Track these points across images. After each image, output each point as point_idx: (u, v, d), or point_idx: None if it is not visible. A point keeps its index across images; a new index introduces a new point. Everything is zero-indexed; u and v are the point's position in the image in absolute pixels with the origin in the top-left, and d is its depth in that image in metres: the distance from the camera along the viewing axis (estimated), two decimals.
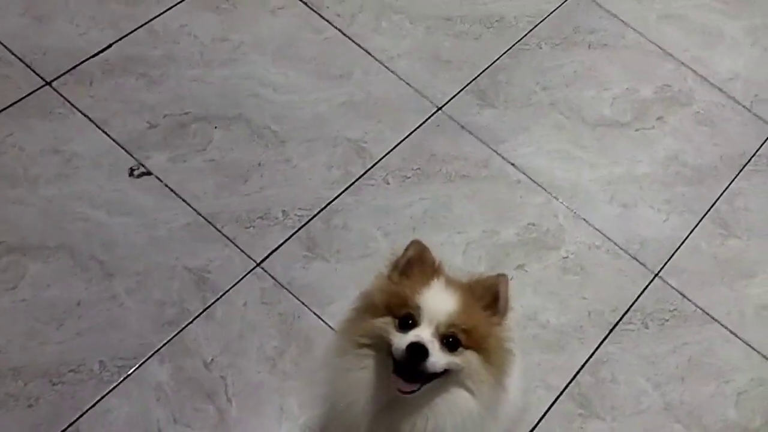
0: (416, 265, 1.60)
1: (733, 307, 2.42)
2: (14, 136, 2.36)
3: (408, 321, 1.53)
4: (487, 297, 1.59)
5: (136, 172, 2.36)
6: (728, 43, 3.02)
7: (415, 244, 1.62)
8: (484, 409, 1.59)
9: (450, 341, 1.53)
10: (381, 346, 1.56)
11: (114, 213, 2.28)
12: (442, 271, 1.62)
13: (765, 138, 2.78)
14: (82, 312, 2.12)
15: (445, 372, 1.53)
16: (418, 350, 1.48)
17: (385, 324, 1.55)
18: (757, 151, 2.75)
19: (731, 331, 2.37)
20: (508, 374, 1.61)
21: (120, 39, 2.60)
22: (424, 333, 1.51)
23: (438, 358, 1.50)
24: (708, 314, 2.39)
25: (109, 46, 2.58)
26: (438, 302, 1.54)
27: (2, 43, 2.50)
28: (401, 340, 1.51)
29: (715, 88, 2.89)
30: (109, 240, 2.23)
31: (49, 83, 2.46)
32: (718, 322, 2.38)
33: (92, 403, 2.00)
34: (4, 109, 2.39)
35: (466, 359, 1.54)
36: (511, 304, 1.63)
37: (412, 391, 1.52)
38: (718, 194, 2.64)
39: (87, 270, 2.18)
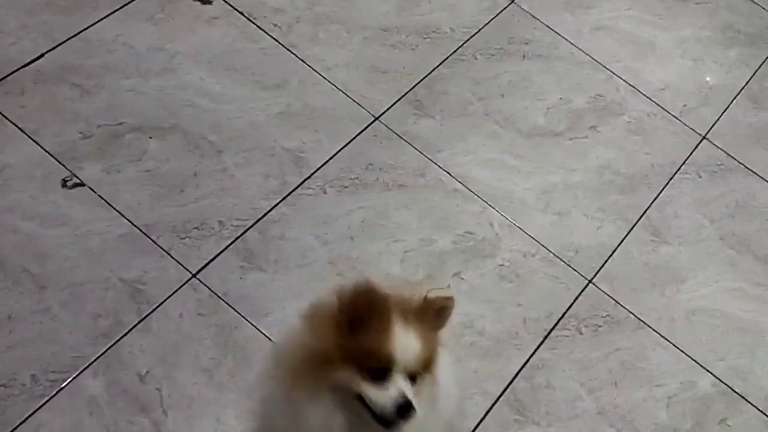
0: (369, 310, 1.53)
1: (665, 313, 2.47)
2: None
3: (380, 372, 1.50)
4: (438, 319, 1.59)
5: (69, 183, 2.33)
6: (659, 54, 3.10)
7: (361, 288, 1.52)
8: (430, 413, 1.60)
9: (414, 376, 1.53)
10: (345, 392, 1.53)
11: (47, 225, 2.25)
12: (392, 306, 1.55)
13: (694, 146, 2.86)
14: (13, 325, 2.08)
15: None
16: (407, 408, 1.48)
17: (352, 377, 1.51)
18: (686, 159, 2.82)
19: (663, 336, 2.42)
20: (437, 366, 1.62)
21: (53, 48, 2.56)
22: (404, 386, 1.49)
23: (417, 403, 1.50)
24: (640, 320, 2.44)
25: (42, 55, 2.54)
26: (407, 347, 1.51)
27: None
28: (383, 398, 1.49)
29: (646, 98, 2.95)
30: (42, 252, 2.20)
31: None
32: (650, 327, 2.43)
33: (24, 418, 1.96)
34: None
35: (424, 381, 1.56)
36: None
37: None
38: (650, 202, 2.70)
39: (19, 283, 2.14)
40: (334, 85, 2.73)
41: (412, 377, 1.53)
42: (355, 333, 1.52)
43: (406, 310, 1.56)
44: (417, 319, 1.55)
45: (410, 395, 1.49)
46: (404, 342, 1.51)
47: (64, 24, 2.62)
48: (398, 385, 1.49)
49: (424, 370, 1.56)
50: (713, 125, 2.93)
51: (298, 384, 1.56)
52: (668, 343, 2.42)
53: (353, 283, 1.54)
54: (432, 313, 1.58)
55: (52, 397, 2.00)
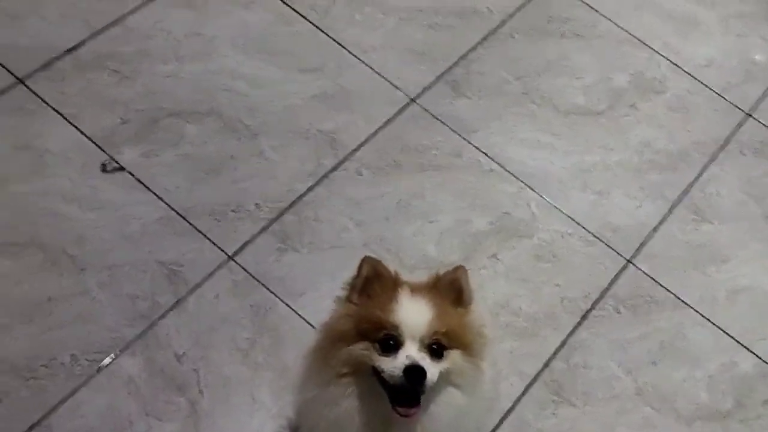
0: (375, 282, 1.58)
1: (705, 292, 2.43)
2: None
3: (389, 342, 1.51)
4: (452, 292, 1.60)
5: (108, 167, 2.37)
6: (701, 31, 3.03)
7: (367, 261, 1.60)
8: (472, 399, 1.60)
9: (435, 349, 1.52)
10: (362, 370, 1.55)
11: (86, 208, 2.29)
12: (402, 281, 1.60)
13: (737, 124, 2.79)
14: (53, 307, 2.12)
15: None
16: (416, 372, 1.47)
17: (365, 350, 1.53)
18: (729, 137, 2.76)
19: (703, 316, 2.38)
20: (485, 352, 1.63)
21: (92, 35, 2.60)
22: (412, 352, 1.50)
23: (433, 372, 1.50)
24: (680, 299, 2.40)
25: (82, 42, 2.58)
26: (414, 315, 1.52)
27: None
28: (392, 365, 1.49)
29: (689, 76, 2.90)
30: (81, 235, 2.24)
31: (21, 81, 2.47)
32: (690, 307, 2.39)
33: (64, 397, 2.01)
34: None
35: (453, 360, 1.55)
36: (475, 292, 1.65)
37: (416, 412, 1.52)
38: (691, 180, 2.65)
39: (58, 265, 2.18)
40: (370, 67, 2.72)
41: (435, 351, 1.52)
42: (365, 305, 1.55)
43: (415, 284, 1.59)
44: (428, 292, 1.57)
45: (420, 360, 1.48)
46: (410, 310, 1.53)
47: (103, 11, 2.66)
48: (407, 352, 1.50)
49: (452, 344, 1.55)
50: (758, 102, 2.86)
51: (319, 364, 1.59)
52: (709, 322, 2.37)
53: (363, 258, 1.59)
54: (445, 286, 1.59)
55: (91, 376, 2.04)
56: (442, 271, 1.64)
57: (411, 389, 1.49)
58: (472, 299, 1.64)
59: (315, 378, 1.61)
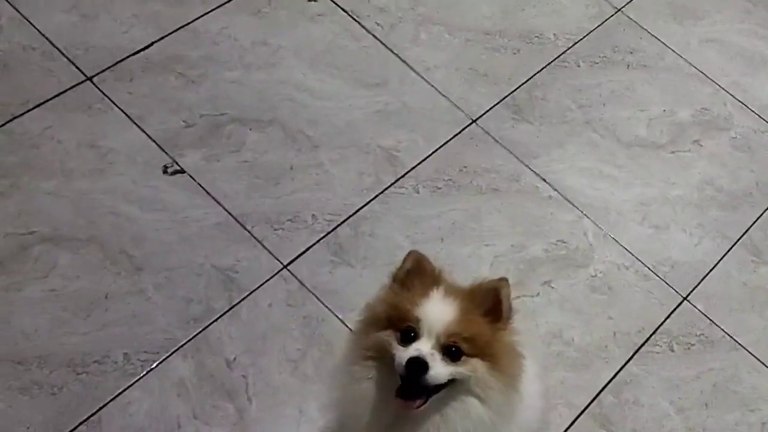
0: (415, 276, 1.60)
1: (762, 336, 2.39)
2: (53, 128, 2.40)
3: (410, 334, 1.53)
4: (488, 302, 1.58)
5: (170, 170, 2.39)
6: None
7: (412, 254, 1.62)
8: (496, 415, 1.58)
9: (452, 351, 1.52)
10: (385, 358, 1.56)
11: (146, 209, 2.31)
12: (443, 280, 1.61)
13: None
14: (109, 304, 2.14)
15: (453, 381, 1.53)
16: (418, 365, 1.49)
17: (388, 337, 1.56)
18: None
19: (759, 360, 2.34)
20: (519, 377, 1.61)
21: (161, 38, 2.63)
22: (423, 346, 1.51)
23: (439, 371, 1.50)
24: (735, 341, 2.36)
25: (151, 44, 2.61)
26: (437, 313, 1.53)
27: (47, 38, 2.55)
28: (402, 355, 1.51)
29: (754, 114, 2.86)
30: (140, 235, 2.26)
31: (89, 78, 2.50)
32: (746, 350, 2.35)
33: (114, 395, 2.02)
34: (45, 102, 2.43)
35: (472, 367, 1.54)
36: (516, 309, 1.62)
37: (418, 407, 1.52)
38: (752, 221, 2.61)
39: (116, 263, 2.20)
40: (433, 86, 2.72)
41: (453, 354, 1.52)
42: (400, 295, 1.58)
43: (454, 286, 1.59)
44: (462, 295, 1.56)
45: (429, 356, 1.49)
46: (434, 308, 1.54)
47: (173, 14, 2.69)
48: (419, 345, 1.51)
49: (474, 351, 1.54)
50: None
51: (352, 343, 1.64)
52: (764, 366, 2.33)
53: (410, 252, 1.63)
54: (482, 294, 1.58)
55: (142, 376, 2.05)
56: (485, 281, 1.62)
57: (413, 382, 1.50)
58: (511, 314, 1.62)
59: (346, 356, 1.66)
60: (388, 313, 1.58)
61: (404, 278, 1.61)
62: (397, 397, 1.52)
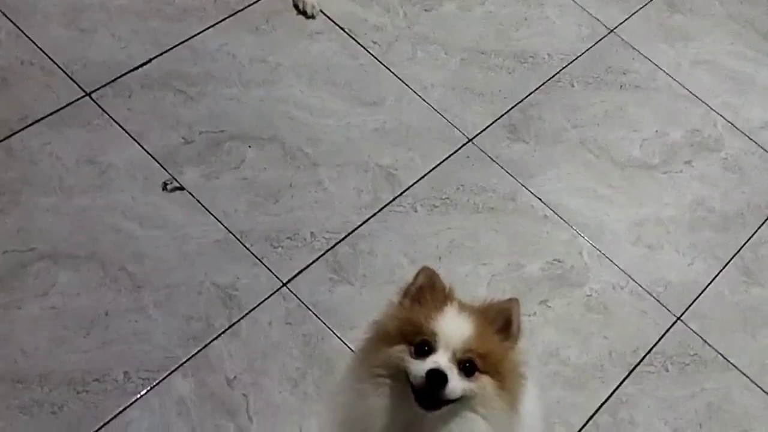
0: (427, 291, 1.61)
1: (755, 356, 2.42)
2: (51, 145, 2.39)
3: (424, 348, 1.53)
4: (500, 321, 1.60)
5: (169, 186, 2.39)
6: (759, 91, 3.04)
7: (425, 270, 1.63)
8: None
9: (467, 366, 1.53)
10: (398, 374, 1.56)
11: (146, 225, 2.31)
12: (454, 297, 1.62)
13: None
14: (109, 322, 2.14)
15: (460, 398, 1.54)
16: (438, 377, 1.49)
17: (401, 352, 1.55)
18: None
19: (751, 380, 2.37)
20: (521, 399, 1.62)
21: (160, 54, 2.64)
22: (441, 359, 1.51)
23: (456, 384, 1.51)
24: (728, 361, 2.39)
25: (150, 60, 2.62)
26: (454, 327, 1.54)
27: (46, 53, 2.54)
28: (419, 368, 1.51)
29: (745, 136, 2.90)
30: (140, 252, 2.26)
31: (88, 94, 2.50)
32: (739, 370, 2.38)
33: (115, 414, 2.01)
34: (43, 118, 2.43)
35: (482, 385, 1.55)
36: (523, 330, 1.64)
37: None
38: (744, 241, 2.65)
39: (116, 281, 2.20)
40: (430, 105, 2.74)
41: (467, 369, 1.53)
42: (412, 310, 1.59)
43: (466, 304, 1.61)
44: (476, 313, 1.57)
45: (447, 369, 1.49)
46: (451, 322, 1.54)
47: (172, 31, 2.70)
48: (436, 358, 1.51)
49: (486, 369, 1.55)
50: None
51: (360, 362, 1.63)
52: (757, 387, 2.36)
53: (421, 268, 1.64)
54: (494, 313, 1.60)
55: (142, 395, 2.05)
56: (496, 300, 1.64)
57: (431, 394, 1.50)
58: (519, 335, 1.64)
59: (353, 373, 1.65)
60: (401, 328, 1.57)
61: (416, 294, 1.61)
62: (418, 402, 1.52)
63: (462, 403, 1.55)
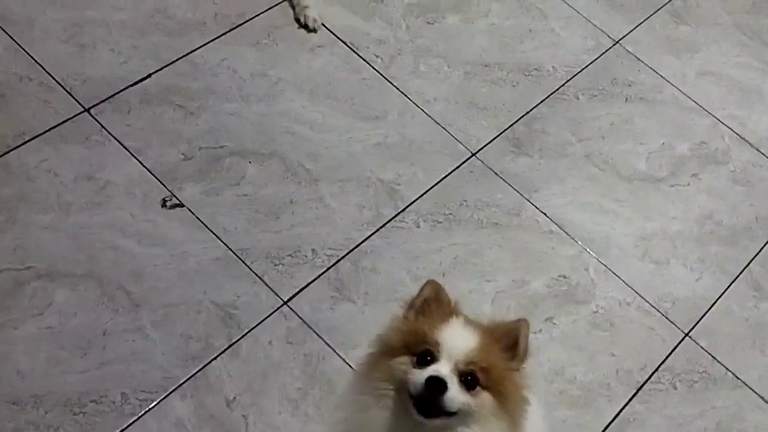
0: (433, 304, 1.60)
1: (765, 373, 2.38)
2: (49, 161, 2.36)
3: (426, 357, 1.52)
4: (507, 340, 1.57)
5: (168, 203, 2.36)
6: (767, 103, 3.00)
7: (431, 283, 1.62)
8: None
9: (468, 379, 1.50)
10: (400, 387, 1.54)
11: (144, 243, 2.27)
12: (459, 311, 1.61)
13: None
14: (107, 342, 2.10)
15: (457, 412, 1.50)
16: (437, 384, 1.47)
17: (403, 363, 1.54)
18: None
19: (762, 398, 2.33)
20: (522, 423, 1.58)
21: (160, 69, 2.61)
22: (443, 368, 1.49)
23: (455, 395, 1.48)
24: (738, 378, 2.35)
25: (149, 75, 2.59)
26: (457, 338, 1.52)
27: (44, 69, 2.52)
28: (419, 375, 1.49)
29: (753, 148, 2.86)
30: (138, 270, 2.23)
31: (87, 110, 2.47)
32: (749, 387, 2.34)
33: None
34: (41, 134, 2.40)
35: (481, 401, 1.51)
36: (531, 352, 1.60)
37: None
38: (752, 255, 2.61)
39: (114, 300, 2.17)
40: (433, 119, 2.71)
41: (468, 382, 1.50)
42: (416, 321, 1.58)
43: (472, 319, 1.59)
44: (482, 329, 1.56)
45: (447, 378, 1.48)
46: (455, 333, 1.53)
47: (172, 46, 2.67)
48: (437, 367, 1.49)
49: (487, 384, 1.52)
50: None
51: (362, 375, 1.62)
52: (767, 404, 2.32)
53: (427, 281, 1.63)
54: (502, 332, 1.57)
55: (140, 416, 2.01)
56: (505, 320, 1.62)
57: (429, 403, 1.48)
58: (526, 356, 1.60)
59: (355, 386, 1.64)
60: (404, 339, 1.56)
61: (421, 306, 1.60)
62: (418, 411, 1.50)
63: (460, 418, 1.52)
